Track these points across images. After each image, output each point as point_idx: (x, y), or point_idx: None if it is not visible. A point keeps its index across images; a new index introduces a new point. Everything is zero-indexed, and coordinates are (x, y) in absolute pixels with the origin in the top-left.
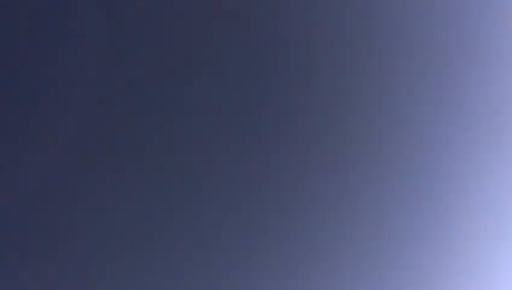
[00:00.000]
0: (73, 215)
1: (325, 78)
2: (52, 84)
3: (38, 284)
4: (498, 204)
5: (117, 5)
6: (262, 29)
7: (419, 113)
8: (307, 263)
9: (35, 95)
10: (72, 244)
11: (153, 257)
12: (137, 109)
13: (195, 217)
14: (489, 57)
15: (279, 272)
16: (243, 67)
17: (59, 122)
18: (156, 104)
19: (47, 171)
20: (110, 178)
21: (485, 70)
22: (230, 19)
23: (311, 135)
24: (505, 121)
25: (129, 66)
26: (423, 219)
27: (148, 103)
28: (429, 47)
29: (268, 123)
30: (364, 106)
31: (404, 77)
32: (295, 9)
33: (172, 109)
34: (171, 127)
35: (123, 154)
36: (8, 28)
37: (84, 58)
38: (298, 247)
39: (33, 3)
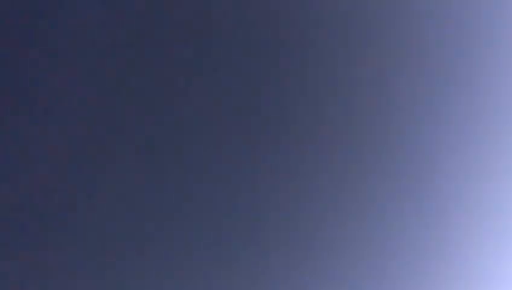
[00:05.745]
0: (73, 216)
1: (324, 78)
2: (51, 83)
3: (38, 283)
4: (498, 204)
5: (117, 3)
6: (261, 29)
7: (418, 112)
8: (305, 263)
9: (35, 95)
10: (71, 244)
11: (151, 257)
12: (137, 109)
13: (195, 216)
14: (489, 56)
15: (278, 272)
16: (241, 66)
17: (58, 121)
18: (155, 104)
19: (47, 171)
20: (110, 178)
21: (485, 70)
22: (230, 18)
23: (309, 135)
24: (505, 121)
25: (128, 66)
26: (422, 219)
27: (147, 103)
28: (429, 46)
29: (267, 123)
30: (363, 105)
31: (402, 77)
32: (294, 8)
33: (171, 108)
34: (170, 126)
35: (122, 154)
36: (7, 27)
37: (83, 58)
38: (296, 247)
39: (32, 3)
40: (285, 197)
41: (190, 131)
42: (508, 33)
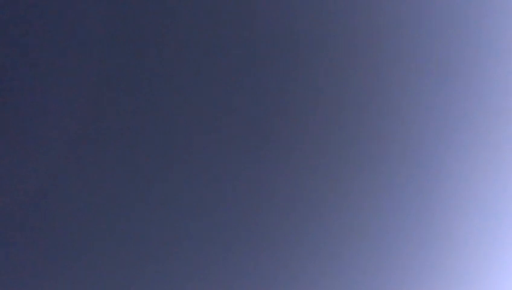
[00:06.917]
0: (73, 215)
1: (322, 77)
2: (51, 83)
3: (38, 283)
4: (498, 204)
5: (116, 3)
6: (260, 28)
7: (417, 112)
8: (304, 263)
9: (34, 95)
10: (71, 244)
11: (150, 257)
12: (137, 109)
13: (194, 217)
14: (490, 56)
15: (277, 272)
16: (240, 66)
17: (58, 121)
18: (154, 104)
19: (47, 171)
20: (110, 178)
21: (485, 70)
22: (230, 17)
23: (308, 134)
24: (505, 121)
25: (128, 65)
26: (421, 219)
27: (147, 103)
28: (429, 45)
29: (265, 122)
30: (364, 105)
31: (403, 76)
32: (293, 6)
33: (171, 108)
34: (170, 126)
35: (122, 154)
36: (6, 27)
37: (83, 57)
38: (295, 247)
39: (31, 3)
40: (280, 196)
41: (188, 130)
42: (508, 33)
